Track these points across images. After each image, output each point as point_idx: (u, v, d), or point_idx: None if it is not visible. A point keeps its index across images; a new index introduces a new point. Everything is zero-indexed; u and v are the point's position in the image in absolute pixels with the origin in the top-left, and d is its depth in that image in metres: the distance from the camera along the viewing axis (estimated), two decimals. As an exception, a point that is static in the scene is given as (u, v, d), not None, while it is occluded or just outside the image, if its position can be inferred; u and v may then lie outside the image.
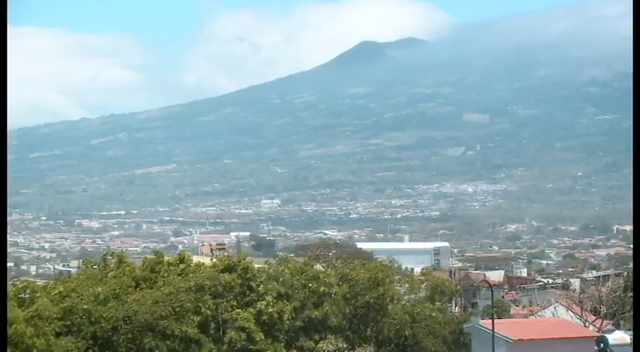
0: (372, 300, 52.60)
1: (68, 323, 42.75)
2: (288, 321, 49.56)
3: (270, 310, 48.64)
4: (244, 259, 52.42)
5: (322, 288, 51.59)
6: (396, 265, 63.88)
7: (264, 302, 49.06)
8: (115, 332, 43.60)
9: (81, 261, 57.72)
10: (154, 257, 52.42)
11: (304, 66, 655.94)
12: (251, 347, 47.74)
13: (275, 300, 49.51)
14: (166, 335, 44.63)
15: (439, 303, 59.18)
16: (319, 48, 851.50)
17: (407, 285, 58.71)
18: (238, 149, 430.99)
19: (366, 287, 52.87)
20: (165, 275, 49.15)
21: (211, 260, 56.81)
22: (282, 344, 49.15)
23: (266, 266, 55.05)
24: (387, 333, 53.60)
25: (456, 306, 71.94)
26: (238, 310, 48.49)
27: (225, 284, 49.26)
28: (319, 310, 50.92)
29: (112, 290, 45.61)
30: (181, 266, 51.39)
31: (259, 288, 50.25)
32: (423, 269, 74.81)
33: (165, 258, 53.25)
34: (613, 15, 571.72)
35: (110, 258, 51.96)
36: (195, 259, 58.14)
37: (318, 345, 50.59)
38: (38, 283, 49.65)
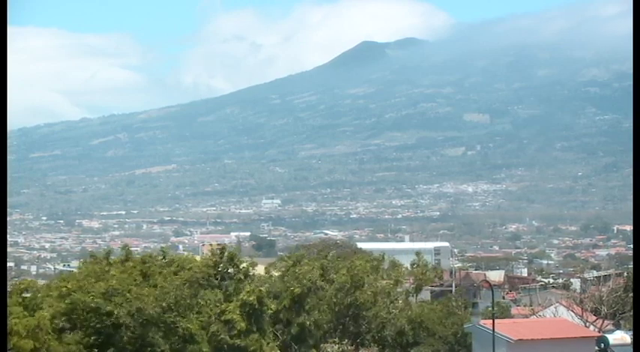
0: (353, 302, 52.68)
1: (74, 317, 42.97)
2: (270, 308, 49.71)
3: (251, 298, 48.69)
4: (224, 249, 52.78)
5: (304, 289, 51.55)
6: (387, 262, 63.63)
7: (244, 293, 49.12)
8: (119, 327, 43.85)
9: (86, 259, 57.80)
10: (147, 256, 52.80)
11: (304, 66, 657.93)
12: (237, 342, 47.72)
13: (253, 289, 49.55)
14: (170, 331, 44.85)
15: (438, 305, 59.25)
16: (319, 48, 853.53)
17: (392, 281, 58.51)
18: (238, 149, 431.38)
19: (348, 289, 52.88)
20: (157, 272, 49.36)
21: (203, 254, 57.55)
22: (269, 336, 49.15)
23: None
24: (387, 334, 53.61)
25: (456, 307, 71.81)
26: (226, 303, 48.76)
27: (214, 276, 49.72)
28: (305, 315, 50.89)
29: (116, 285, 45.83)
30: (172, 265, 51.49)
31: (245, 287, 50.51)
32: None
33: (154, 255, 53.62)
34: (613, 15, 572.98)
35: (113, 257, 52.23)
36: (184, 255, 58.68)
37: (322, 346, 50.68)
38: (40, 282, 49.74)
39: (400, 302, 57.21)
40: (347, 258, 60.85)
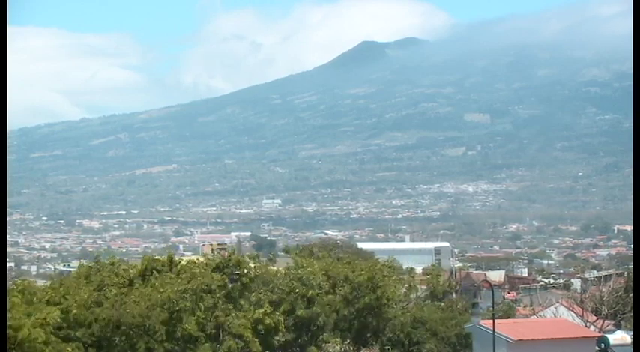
0: (371, 302, 52.56)
1: (64, 325, 42.65)
2: (282, 331, 49.24)
3: (268, 321, 48.05)
4: (233, 254, 52.17)
5: (310, 292, 51.28)
6: (396, 265, 64.16)
7: (261, 311, 48.43)
8: (111, 334, 43.51)
9: (79, 261, 57.73)
10: (149, 257, 52.52)
11: (304, 66, 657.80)
12: None
13: (272, 309, 48.94)
14: (163, 339, 44.50)
15: (442, 304, 59.49)
16: (319, 48, 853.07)
17: (406, 286, 59.01)
18: (239, 149, 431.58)
19: (365, 289, 52.85)
20: (157, 276, 48.91)
21: (204, 257, 56.93)
22: None
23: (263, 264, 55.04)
24: (389, 334, 53.65)
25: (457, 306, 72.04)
26: (235, 314, 48.08)
27: (217, 285, 49.21)
28: (309, 313, 50.74)
29: (104, 291, 45.55)
30: (174, 269, 51.05)
31: (252, 295, 49.99)
32: (424, 268, 75.00)
33: (157, 257, 53.27)
34: (613, 15, 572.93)
35: (105, 259, 51.92)
36: (187, 258, 58.22)
37: (323, 346, 50.57)
38: (39, 283, 49.69)
39: (409, 304, 57.48)
40: (367, 261, 61.08)
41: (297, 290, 51.09)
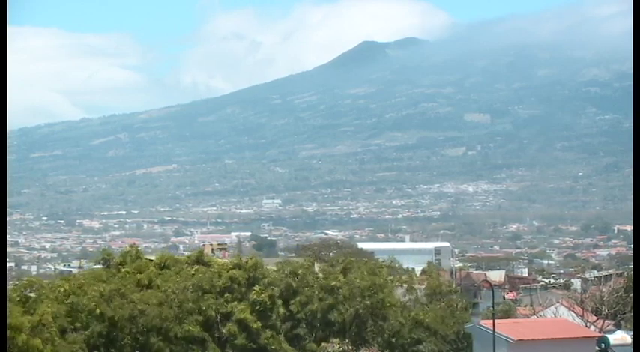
0: (371, 303, 52.73)
1: (74, 320, 42.81)
2: (283, 310, 49.64)
3: (262, 296, 48.77)
4: (251, 259, 52.71)
5: (332, 283, 51.93)
6: (396, 264, 64.35)
7: (254, 291, 49.16)
8: (120, 331, 43.70)
9: (99, 256, 57.79)
10: (170, 255, 53.17)
11: (305, 66, 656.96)
12: (250, 344, 47.76)
13: (264, 287, 49.57)
14: (169, 337, 44.70)
15: (443, 303, 59.57)
16: (319, 48, 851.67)
17: (405, 286, 59.13)
18: (239, 149, 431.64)
19: (366, 292, 53.02)
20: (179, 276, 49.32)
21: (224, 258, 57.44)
22: (281, 335, 49.20)
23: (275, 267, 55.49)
24: (387, 336, 53.73)
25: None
26: (235, 303, 48.69)
27: (232, 281, 49.56)
28: (323, 305, 51.09)
29: (119, 288, 45.72)
30: (198, 266, 51.59)
31: (265, 280, 50.49)
32: (424, 268, 75.16)
33: (178, 256, 53.74)
34: (613, 14, 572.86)
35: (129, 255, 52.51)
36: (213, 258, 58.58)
37: (322, 345, 50.67)
38: (44, 281, 49.83)
39: (409, 305, 57.68)
40: (367, 263, 61.27)
41: (320, 280, 51.68)
